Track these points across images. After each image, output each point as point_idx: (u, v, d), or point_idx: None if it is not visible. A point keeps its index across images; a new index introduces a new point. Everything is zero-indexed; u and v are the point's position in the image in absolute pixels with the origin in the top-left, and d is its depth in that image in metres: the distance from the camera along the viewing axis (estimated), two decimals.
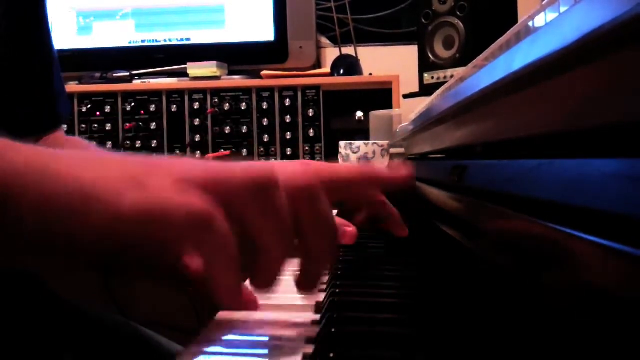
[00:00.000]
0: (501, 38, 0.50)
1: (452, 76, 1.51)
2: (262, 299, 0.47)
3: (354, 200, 0.64)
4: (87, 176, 0.32)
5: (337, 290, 0.46)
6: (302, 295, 0.45)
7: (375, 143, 1.40)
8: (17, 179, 0.31)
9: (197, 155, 1.76)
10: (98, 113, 1.79)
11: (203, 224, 0.32)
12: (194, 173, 0.34)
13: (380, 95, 1.70)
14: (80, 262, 0.33)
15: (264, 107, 1.74)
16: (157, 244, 0.32)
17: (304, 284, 0.40)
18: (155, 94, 1.78)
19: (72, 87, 1.82)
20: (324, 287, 0.50)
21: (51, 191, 0.31)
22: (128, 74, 1.84)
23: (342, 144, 1.41)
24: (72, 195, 0.31)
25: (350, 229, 0.58)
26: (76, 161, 0.33)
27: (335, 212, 0.64)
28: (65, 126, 1.81)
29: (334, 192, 0.60)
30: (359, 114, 1.71)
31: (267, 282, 0.37)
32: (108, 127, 1.78)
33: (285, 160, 0.68)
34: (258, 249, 0.36)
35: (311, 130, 1.73)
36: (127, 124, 1.77)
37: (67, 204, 0.31)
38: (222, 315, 0.42)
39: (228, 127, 1.75)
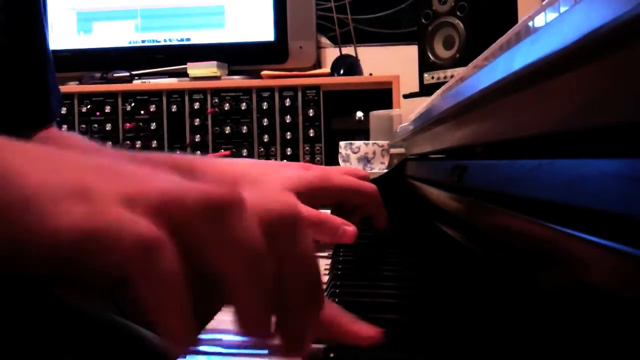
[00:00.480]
0: (501, 38, 0.50)
1: (452, 76, 1.51)
2: None
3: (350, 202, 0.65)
4: (33, 179, 0.27)
5: (337, 290, 0.46)
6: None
7: (375, 143, 1.40)
8: None
9: (198, 154, 1.76)
10: (98, 113, 1.79)
11: (147, 251, 0.27)
12: (149, 190, 0.28)
13: (380, 95, 1.70)
14: (13, 267, 0.29)
15: (264, 107, 1.74)
16: (94, 266, 0.27)
17: (288, 345, 0.31)
18: (156, 94, 1.78)
19: (72, 87, 1.82)
20: (324, 287, 0.50)
21: None
22: (128, 74, 1.84)
23: (342, 144, 1.41)
24: (12, 198, 0.26)
25: (350, 228, 0.58)
26: (27, 159, 0.28)
27: (328, 211, 0.65)
28: (65, 126, 1.81)
29: (335, 197, 0.61)
30: (359, 114, 1.71)
31: (246, 322, 0.30)
32: (108, 127, 1.78)
33: (285, 162, 0.68)
34: (223, 282, 0.29)
35: (311, 130, 1.73)
36: (127, 124, 1.77)
37: (10, 214, 0.26)
38: (222, 314, 0.42)
39: (228, 127, 1.75)
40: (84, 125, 1.79)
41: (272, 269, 0.29)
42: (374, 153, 1.38)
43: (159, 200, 0.28)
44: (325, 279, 0.53)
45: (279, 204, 0.30)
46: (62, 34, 1.93)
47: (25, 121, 0.75)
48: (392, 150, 1.42)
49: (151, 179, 0.29)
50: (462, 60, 1.52)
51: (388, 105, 1.68)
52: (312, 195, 0.61)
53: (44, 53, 0.77)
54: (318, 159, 1.74)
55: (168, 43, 1.92)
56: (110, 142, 1.77)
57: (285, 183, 0.61)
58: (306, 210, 0.54)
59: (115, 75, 1.83)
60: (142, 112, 1.78)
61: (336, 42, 1.93)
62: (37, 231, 0.26)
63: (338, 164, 1.43)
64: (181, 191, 0.28)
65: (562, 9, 0.32)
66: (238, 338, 0.38)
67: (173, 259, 0.27)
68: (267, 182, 0.64)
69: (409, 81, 1.74)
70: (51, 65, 0.78)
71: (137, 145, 1.76)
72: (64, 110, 1.79)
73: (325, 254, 0.64)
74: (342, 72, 1.78)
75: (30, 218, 0.26)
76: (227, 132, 1.75)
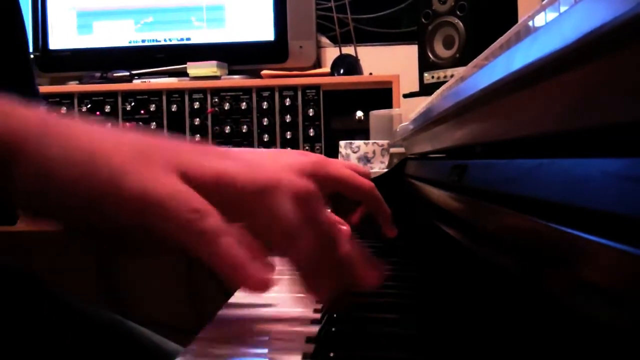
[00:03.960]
0: (501, 38, 0.50)
1: (452, 76, 1.51)
2: (261, 298, 0.47)
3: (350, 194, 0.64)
4: (98, 143, 0.33)
5: None
6: (303, 295, 0.44)
7: (375, 143, 1.40)
8: (28, 138, 0.32)
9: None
10: (98, 113, 1.79)
11: (200, 218, 0.32)
12: (192, 166, 0.34)
13: (380, 95, 1.70)
14: (75, 226, 0.35)
15: (264, 107, 1.74)
16: (150, 228, 0.32)
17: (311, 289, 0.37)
18: (156, 93, 1.78)
19: (72, 87, 1.83)
20: None
21: (60, 153, 0.32)
22: (128, 73, 1.84)
23: (342, 143, 1.41)
24: (78, 162, 0.32)
25: (345, 227, 0.58)
26: (90, 128, 0.34)
27: (328, 210, 0.65)
28: None
29: (329, 187, 0.60)
30: (359, 113, 1.71)
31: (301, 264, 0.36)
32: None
33: (282, 150, 0.67)
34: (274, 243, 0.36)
35: (311, 130, 1.73)
36: (128, 124, 1.77)
37: (72, 170, 0.32)
38: (222, 314, 0.42)
39: (228, 127, 1.75)
40: None
41: (302, 233, 0.35)
42: (374, 152, 1.38)
43: (215, 177, 0.34)
44: None
45: (302, 183, 0.37)
46: (62, 33, 1.93)
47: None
48: (392, 150, 1.42)
49: (210, 159, 0.35)
50: (462, 59, 1.52)
51: (388, 104, 1.68)
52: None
53: (24, 39, 0.77)
54: None
55: (168, 43, 1.92)
56: None
57: (282, 169, 0.60)
58: None
59: (115, 74, 1.83)
60: (142, 111, 1.78)
61: (336, 41, 1.93)
62: (98, 194, 0.32)
63: None
64: (235, 173, 0.34)
65: (562, 9, 0.32)
66: (238, 337, 0.38)
67: (220, 221, 0.32)
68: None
69: (409, 81, 1.74)
70: (29, 47, 0.79)
71: None
72: (64, 110, 1.79)
73: None
74: (342, 71, 1.78)
75: (94, 181, 0.32)
76: (227, 131, 1.75)
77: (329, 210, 0.67)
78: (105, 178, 0.32)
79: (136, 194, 0.32)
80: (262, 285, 0.33)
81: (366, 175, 0.70)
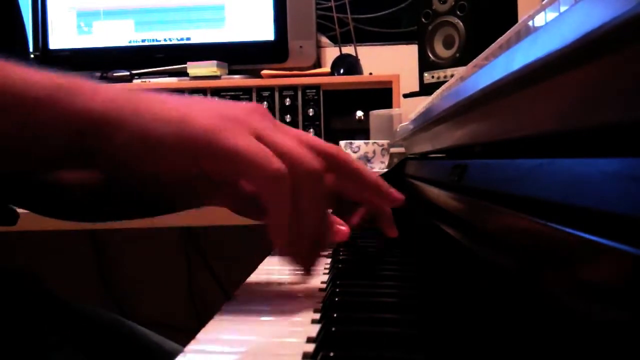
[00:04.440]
0: (501, 37, 0.50)
1: (452, 75, 1.51)
2: (261, 298, 0.47)
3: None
4: (184, 107, 0.40)
5: (337, 290, 0.46)
6: (302, 295, 0.45)
7: (375, 142, 1.40)
8: (122, 109, 0.38)
9: None
10: None
11: (278, 175, 0.39)
12: (267, 136, 0.41)
13: (380, 95, 1.70)
14: (160, 177, 0.42)
15: (264, 107, 1.74)
16: (229, 177, 0.42)
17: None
18: None
19: None
20: (324, 286, 0.50)
21: (151, 116, 0.39)
22: (128, 73, 1.84)
23: (342, 143, 1.41)
24: (172, 123, 0.39)
25: (344, 227, 0.58)
26: (170, 96, 0.41)
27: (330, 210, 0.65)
28: None
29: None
30: (359, 113, 1.71)
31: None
32: None
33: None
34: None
35: (311, 130, 1.73)
36: None
37: (170, 130, 0.39)
38: (222, 314, 0.42)
39: None
40: None
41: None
42: (374, 152, 1.38)
43: (283, 152, 0.40)
44: (325, 278, 0.53)
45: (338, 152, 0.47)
46: (62, 33, 1.93)
47: None
48: (392, 150, 1.42)
49: (278, 133, 0.42)
50: (462, 59, 1.52)
51: (388, 104, 1.68)
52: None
53: (22, 39, 0.77)
54: None
55: (168, 42, 1.92)
56: None
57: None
58: None
59: (115, 74, 1.83)
60: None
61: (336, 41, 1.93)
62: (193, 152, 0.39)
63: None
64: (301, 155, 0.41)
65: (562, 9, 0.32)
66: (238, 337, 0.38)
67: (291, 189, 0.40)
68: None
69: (409, 80, 1.74)
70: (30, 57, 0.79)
71: None
72: None
73: (325, 253, 0.64)
74: (342, 71, 1.78)
75: (186, 141, 0.39)
76: None
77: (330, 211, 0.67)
78: (201, 135, 0.39)
79: (231, 148, 0.39)
80: (295, 255, 0.44)
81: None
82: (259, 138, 0.40)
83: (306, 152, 0.41)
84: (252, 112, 0.43)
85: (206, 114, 0.40)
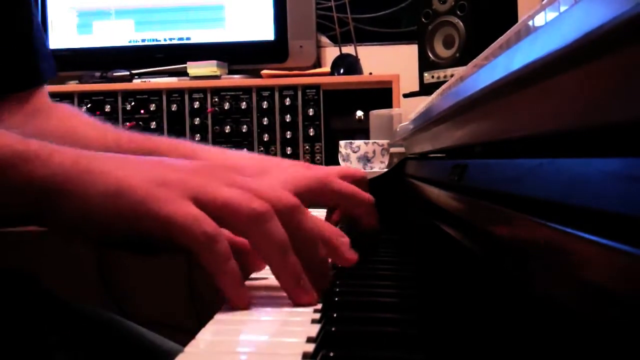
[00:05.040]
0: (501, 37, 0.50)
1: (452, 75, 1.50)
2: (261, 298, 0.47)
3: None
4: (124, 178, 0.42)
5: (337, 290, 0.46)
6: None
7: (375, 142, 1.40)
8: (65, 179, 0.41)
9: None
10: (98, 112, 1.79)
11: (213, 242, 0.41)
12: (204, 194, 0.42)
13: (380, 95, 1.70)
14: (107, 239, 0.45)
15: (264, 107, 1.74)
16: (169, 240, 0.42)
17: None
18: (155, 93, 1.78)
19: (72, 86, 1.82)
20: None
21: (92, 188, 0.41)
22: (128, 73, 1.84)
23: (342, 143, 1.41)
24: (109, 196, 0.42)
25: (345, 239, 0.59)
26: (112, 162, 0.44)
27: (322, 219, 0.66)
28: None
29: (331, 201, 0.63)
30: (359, 113, 1.71)
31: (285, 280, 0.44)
32: None
33: (285, 160, 0.69)
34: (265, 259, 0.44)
35: (311, 130, 1.73)
36: (127, 123, 1.77)
37: (106, 201, 0.41)
38: (222, 314, 0.42)
39: (228, 127, 1.75)
40: None
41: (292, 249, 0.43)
42: (374, 152, 1.38)
43: (222, 206, 0.42)
44: None
45: (285, 199, 0.44)
46: (62, 33, 1.93)
47: (7, 80, 0.74)
48: (392, 150, 1.42)
49: (218, 187, 0.43)
50: (462, 59, 1.52)
51: (388, 104, 1.68)
52: (309, 197, 0.62)
53: (27, 14, 0.76)
54: (318, 158, 1.74)
55: (168, 42, 1.92)
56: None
57: (284, 183, 0.61)
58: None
59: (115, 74, 1.83)
60: (142, 111, 1.78)
61: (336, 41, 1.93)
62: (128, 216, 0.41)
63: (338, 163, 1.43)
64: (238, 203, 0.42)
65: (562, 9, 0.32)
66: (238, 337, 0.38)
67: (227, 246, 0.41)
68: (268, 179, 0.64)
69: (409, 80, 1.74)
70: (39, 29, 0.78)
71: None
72: None
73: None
74: (342, 71, 1.78)
75: (123, 207, 0.41)
76: (227, 131, 1.75)
77: (327, 218, 0.68)
78: (135, 207, 0.41)
79: (162, 217, 0.41)
80: (243, 307, 0.42)
81: (364, 179, 0.71)
82: (196, 198, 0.42)
83: (247, 197, 0.43)
84: (193, 172, 0.45)
85: (144, 182, 0.42)
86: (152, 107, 1.77)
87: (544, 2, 0.37)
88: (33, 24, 0.77)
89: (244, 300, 0.42)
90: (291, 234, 0.43)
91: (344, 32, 1.90)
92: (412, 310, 0.42)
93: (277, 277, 0.44)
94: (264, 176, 0.66)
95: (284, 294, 0.45)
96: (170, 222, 0.41)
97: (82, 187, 0.42)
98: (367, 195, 0.65)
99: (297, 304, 0.43)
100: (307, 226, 0.45)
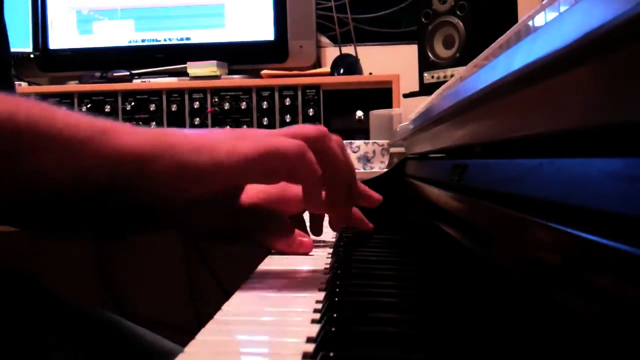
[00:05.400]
0: (501, 37, 0.50)
1: (452, 75, 1.51)
2: (261, 298, 0.47)
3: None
4: (207, 138, 0.48)
5: (337, 290, 0.46)
6: (302, 295, 0.45)
7: (375, 142, 1.40)
8: (157, 141, 0.45)
9: None
10: (98, 112, 1.79)
11: (301, 151, 0.49)
12: (271, 142, 0.49)
13: (380, 95, 1.70)
14: (202, 197, 0.48)
15: (264, 107, 1.74)
16: (274, 167, 0.49)
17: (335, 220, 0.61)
18: (155, 93, 1.78)
19: (72, 86, 1.83)
20: (324, 286, 0.50)
21: (188, 147, 0.46)
22: (128, 73, 1.84)
23: None
24: (204, 148, 0.46)
25: (306, 239, 0.61)
26: (188, 133, 0.48)
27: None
28: None
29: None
30: (359, 113, 1.71)
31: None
32: None
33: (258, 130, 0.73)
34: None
35: None
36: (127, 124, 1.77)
37: (201, 153, 0.46)
38: (221, 314, 0.42)
39: (228, 127, 1.75)
40: None
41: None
42: (374, 152, 1.38)
43: (298, 135, 0.51)
44: (325, 277, 0.53)
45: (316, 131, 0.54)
46: (62, 33, 1.93)
47: None
48: (392, 150, 1.42)
49: (272, 139, 0.50)
50: (462, 59, 1.52)
51: (388, 104, 1.68)
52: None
53: (4, 49, 0.77)
54: None
55: (168, 42, 1.92)
56: None
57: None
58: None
59: (115, 74, 1.83)
60: (142, 111, 1.78)
61: (336, 41, 1.93)
62: (224, 163, 0.47)
63: None
64: (284, 147, 0.49)
65: (562, 9, 0.32)
66: (237, 337, 0.38)
67: (313, 159, 0.50)
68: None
69: (409, 80, 1.74)
70: (11, 61, 0.79)
71: None
72: None
73: (325, 252, 0.64)
74: (342, 71, 1.78)
75: (226, 153, 0.47)
76: None
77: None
78: (231, 152, 0.47)
79: (251, 149, 0.47)
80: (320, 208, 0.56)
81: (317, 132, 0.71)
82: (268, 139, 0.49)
83: (291, 142, 0.50)
84: (256, 131, 0.54)
85: (225, 138, 0.48)
86: (152, 107, 1.77)
87: (544, 2, 0.37)
88: (7, 48, 0.78)
89: (319, 203, 0.54)
90: (320, 156, 0.52)
91: (344, 32, 1.90)
92: (412, 311, 0.42)
93: (306, 202, 0.54)
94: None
95: (284, 294, 0.45)
96: (268, 148, 0.48)
97: (175, 148, 0.45)
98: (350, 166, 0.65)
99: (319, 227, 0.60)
100: (333, 150, 0.54)
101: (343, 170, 0.55)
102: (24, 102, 0.42)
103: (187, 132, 0.49)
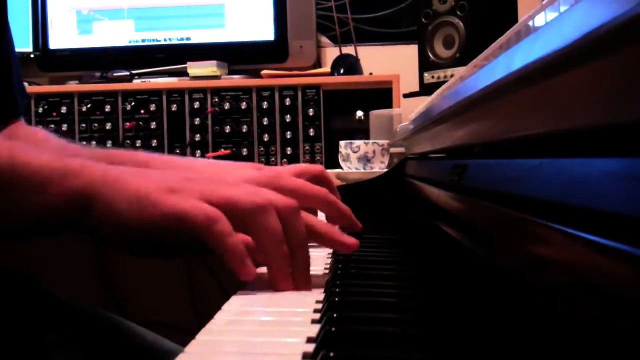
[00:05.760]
0: (501, 37, 0.50)
1: (452, 75, 1.51)
2: (261, 298, 0.47)
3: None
4: (142, 186, 0.49)
5: (337, 290, 0.46)
6: (302, 295, 0.45)
7: (375, 142, 1.40)
8: (96, 189, 0.48)
9: (197, 155, 1.76)
10: (98, 112, 1.79)
11: (214, 222, 0.47)
12: (210, 193, 0.49)
13: (380, 95, 1.70)
14: (128, 243, 0.51)
15: (264, 107, 1.74)
16: (184, 234, 0.47)
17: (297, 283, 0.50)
18: (155, 93, 1.78)
19: (72, 86, 1.83)
20: (324, 286, 0.50)
21: (118, 196, 0.48)
22: (128, 73, 1.84)
23: (342, 143, 1.41)
24: (132, 201, 0.48)
25: (337, 228, 0.59)
26: (131, 174, 0.50)
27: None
28: (65, 126, 1.81)
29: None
30: (359, 113, 1.71)
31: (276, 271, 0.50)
32: (108, 126, 1.78)
33: (236, 163, 0.71)
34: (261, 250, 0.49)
35: (311, 130, 1.73)
36: (127, 124, 1.77)
37: (130, 206, 0.48)
38: (222, 314, 0.42)
39: (228, 127, 1.75)
40: (84, 125, 1.79)
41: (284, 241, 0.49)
42: (374, 152, 1.38)
43: (226, 201, 0.48)
44: (325, 277, 0.53)
45: (283, 198, 0.50)
46: (62, 33, 1.93)
47: None
48: (392, 150, 1.42)
49: (223, 187, 0.50)
50: (462, 59, 1.52)
51: (388, 104, 1.68)
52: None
53: (7, 53, 0.78)
54: (318, 158, 1.74)
55: (168, 42, 1.92)
56: (110, 142, 1.77)
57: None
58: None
59: (115, 74, 1.83)
60: (142, 111, 1.78)
61: (336, 41, 1.93)
62: (151, 218, 0.47)
63: (338, 163, 1.43)
64: (239, 197, 0.48)
65: (562, 9, 0.32)
66: (237, 338, 0.38)
67: (228, 225, 0.47)
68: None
69: (409, 80, 1.74)
70: (16, 66, 0.80)
71: (138, 145, 1.76)
72: (64, 110, 1.79)
73: (325, 253, 0.64)
74: (342, 71, 1.78)
75: (145, 211, 0.48)
76: (227, 131, 1.75)
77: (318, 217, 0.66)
78: (151, 207, 0.48)
79: (172, 213, 0.47)
80: (251, 278, 0.47)
81: (321, 174, 0.69)
82: (208, 199, 0.48)
83: (249, 193, 0.49)
84: (203, 180, 0.51)
85: (159, 188, 0.49)
86: (152, 107, 1.77)
87: (544, 2, 0.37)
88: (12, 53, 0.79)
89: (249, 273, 0.47)
90: (285, 230, 0.49)
91: (344, 32, 1.90)
92: (412, 311, 0.42)
93: (268, 263, 0.49)
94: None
95: (284, 294, 0.45)
96: (179, 214, 0.47)
97: (109, 195, 0.48)
98: (317, 189, 0.63)
99: (278, 289, 0.49)
100: (299, 224, 0.50)
101: (293, 240, 0.50)
102: None
103: (132, 175, 0.51)
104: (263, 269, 0.50)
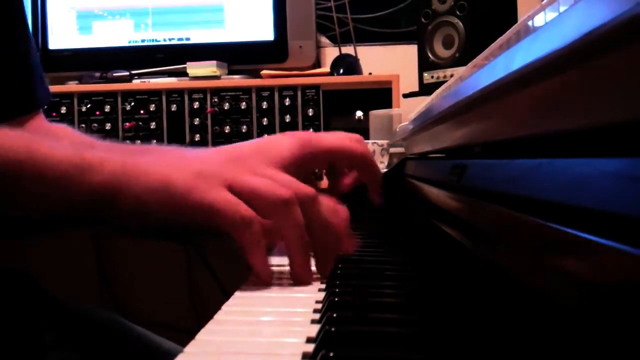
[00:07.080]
0: (501, 37, 0.50)
1: (451, 75, 1.51)
2: (261, 298, 0.47)
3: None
4: (166, 173, 0.49)
5: (337, 290, 0.46)
6: (302, 295, 0.45)
7: (375, 142, 1.40)
8: (119, 183, 0.48)
9: None
10: (98, 112, 1.79)
11: (248, 224, 0.47)
12: (236, 182, 0.49)
13: (380, 95, 1.70)
14: (159, 232, 0.53)
15: (264, 107, 1.74)
16: (210, 225, 0.48)
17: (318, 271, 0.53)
18: (155, 93, 1.78)
19: (71, 86, 1.82)
20: (324, 286, 0.50)
21: (142, 188, 0.48)
22: (128, 73, 1.84)
23: None
24: (157, 190, 0.48)
25: (343, 207, 0.58)
26: (155, 161, 0.50)
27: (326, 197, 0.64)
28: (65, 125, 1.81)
29: (321, 162, 0.62)
30: (359, 113, 1.71)
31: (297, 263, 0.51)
32: (108, 126, 1.78)
33: (271, 138, 0.64)
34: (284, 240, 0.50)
35: (311, 130, 1.73)
36: (127, 124, 1.77)
37: (156, 196, 0.48)
38: (222, 314, 0.42)
39: (228, 127, 1.75)
40: (83, 125, 1.79)
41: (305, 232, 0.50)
42: (374, 152, 1.38)
43: (251, 192, 0.49)
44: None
45: (305, 188, 0.51)
46: (62, 33, 1.93)
47: (7, 107, 0.75)
48: (392, 150, 1.42)
49: (247, 176, 0.50)
50: (461, 59, 1.52)
51: (388, 104, 1.68)
52: (298, 164, 0.58)
53: (24, 38, 0.77)
54: None
55: (168, 42, 1.92)
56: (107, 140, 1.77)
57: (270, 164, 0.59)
58: None
59: (114, 74, 1.83)
60: (141, 111, 1.78)
61: (336, 41, 1.93)
62: (176, 208, 0.48)
63: None
64: (265, 190, 0.49)
65: (562, 9, 0.32)
66: (237, 338, 0.38)
67: (261, 228, 0.48)
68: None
69: (409, 80, 1.74)
70: (35, 55, 0.80)
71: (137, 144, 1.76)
72: (63, 110, 1.79)
73: None
74: (341, 71, 1.78)
75: (172, 200, 0.48)
76: (226, 131, 1.75)
77: (325, 186, 0.66)
78: (180, 197, 0.48)
79: (205, 205, 0.48)
80: (267, 281, 0.50)
81: (358, 141, 0.68)
82: (231, 187, 0.49)
83: (274, 185, 0.49)
84: (225, 164, 0.52)
85: (184, 175, 0.49)
86: (152, 107, 1.77)
87: (543, 2, 0.37)
88: (30, 47, 0.78)
89: (268, 276, 0.50)
90: (307, 220, 0.50)
91: (343, 32, 1.90)
92: (412, 311, 0.42)
93: (290, 254, 0.50)
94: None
95: (284, 294, 0.45)
96: (212, 208, 0.47)
97: (133, 188, 0.48)
98: (356, 146, 0.62)
99: (297, 281, 0.50)
100: (322, 215, 0.51)
101: (322, 234, 0.51)
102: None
103: (156, 162, 0.51)
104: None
